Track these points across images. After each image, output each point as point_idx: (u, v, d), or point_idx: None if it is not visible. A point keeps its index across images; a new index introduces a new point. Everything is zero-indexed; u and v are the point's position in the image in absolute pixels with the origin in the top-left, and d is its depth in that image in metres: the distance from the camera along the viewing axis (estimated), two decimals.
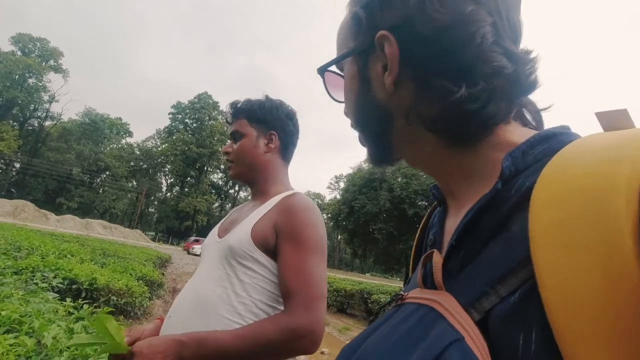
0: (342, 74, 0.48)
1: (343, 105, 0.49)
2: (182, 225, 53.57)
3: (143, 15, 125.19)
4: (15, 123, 50.18)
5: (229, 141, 1.22)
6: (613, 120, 0.32)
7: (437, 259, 0.37)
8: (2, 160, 47.42)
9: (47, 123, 54.88)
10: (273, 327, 0.87)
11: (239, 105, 1.21)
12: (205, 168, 57.58)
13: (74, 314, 2.47)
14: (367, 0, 0.41)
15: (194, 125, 57.27)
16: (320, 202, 68.83)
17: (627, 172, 0.24)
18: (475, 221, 0.35)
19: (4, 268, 3.83)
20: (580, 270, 0.24)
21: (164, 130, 58.93)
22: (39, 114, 54.11)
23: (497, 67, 0.36)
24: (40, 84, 51.75)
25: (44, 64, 51.56)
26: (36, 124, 54.40)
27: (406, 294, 0.40)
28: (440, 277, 0.35)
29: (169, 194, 59.37)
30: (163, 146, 56.90)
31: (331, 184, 60.38)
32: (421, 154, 0.42)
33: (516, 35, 0.38)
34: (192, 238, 34.84)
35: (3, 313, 1.88)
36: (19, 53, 49.99)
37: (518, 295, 0.29)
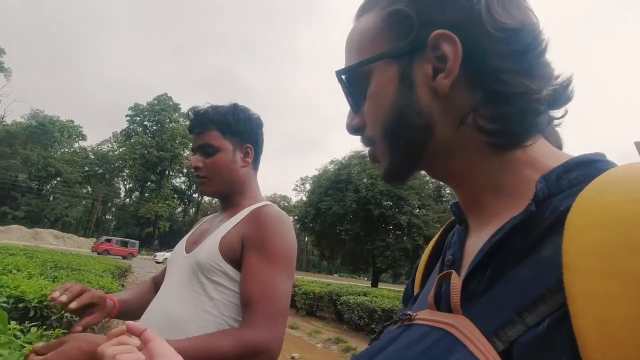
0: (344, 81, 0.45)
1: (347, 115, 0.46)
2: (143, 232, 51.34)
3: (100, 11, 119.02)
4: None
5: (194, 155, 1.11)
6: None
7: (456, 280, 0.35)
8: None
9: None
10: (230, 340, 0.83)
11: (207, 114, 1.09)
12: (167, 172, 55.60)
13: (20, 337, 2.24)
14: None
15: (154, 127, 55.12)
16: (286, 204, 68.56)
17: None
18: (504, 242, 0.34)
19: None
20: (619, 299, 0.23)
21: (121, 133, 56.29)
22: None
23: (551, 74, 0.38)
24: None
25: None
26: None
27: (415, 314, 0.38)
28: (458, 300, 0.34)
29: (127, 199, 56.74)
30: (120, 150, 54.25)
31: (297, 185, 60.21)
32: (454, 164, 0.41)
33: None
34: (104, 238, 33.21)
35: None
36: None
37: (547, 323, 0.27)
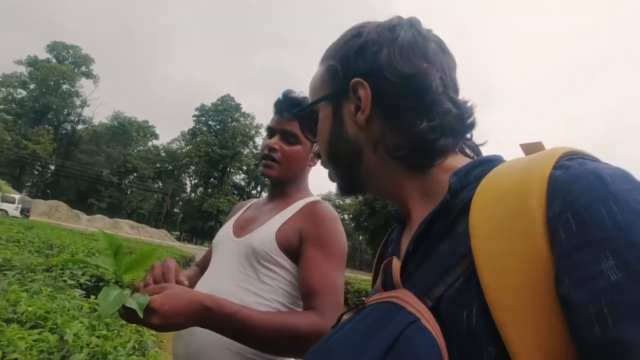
0: (309, 118, 0.58)
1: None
2: (206, 225, 54.66)
3: (170, 20, 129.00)
4: (50, 127, 52.64)
5: (273, 137, 1.12)
6: (532, 148, 0.42)
7: (396, 263, 0.43)
8: (39, 163, 49.88)
9: (80, 127, 57.43)
10: (304, 321, 0.86)
11: (302, 104, 1.12)
12: (228, 169, 58.55)
13: (97, 310, 2.54)
14: (343, 55, 0.51)
15: (217, 127, 58.34)
16: (341, 202, 68.74)
17: (537, 177, 0.33)
18: (429, 228, 0.43)
19: (36, 265, 4.00)
20: (506, 253, 0.32)
21: (188, 132, 60.31)
22: (72, 118, 56.65)
23: (447, 109, 0.46)
24: (73, 90, 54.22)
25: (76, 70, 53.96)
26: (69, 128, 56.95)
27: (367, 299, 0.45)
28: (398, 277, 0.41)
29: (193, 194, 60.73)
30: (187, 148, 58.23)
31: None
32: (384, 180, 0.51)
33: (456, 88, 0.50)
34: None
35: (30, 309, 1.95)
36: (54, 60, 52.47)
37: (461, 280, 0.35)
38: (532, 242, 0.31)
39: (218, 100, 59.25)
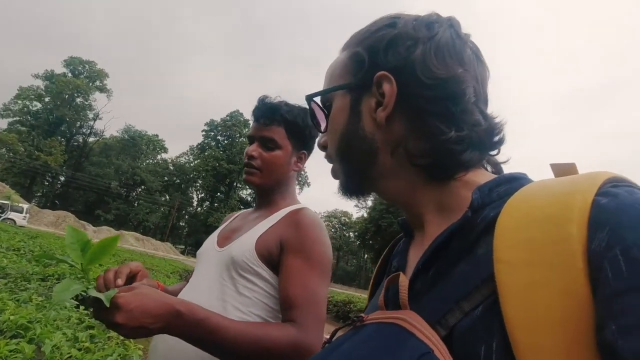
0: (322, 107, 0.53)
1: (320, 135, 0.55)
2: None
3: (186, 38, 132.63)
4: (62, 139, 53.76)
5: (252, 143, 1.11)
6: (564, 170, 0.38)
7: (403, 280, 0.39)
8: (49, 174, 50.67)
9: (91, 139, 58.54)
10: (280, 333, 0.81)
11: (280, 109, 1.09)
12: (235, 184, 58.82)
13: (84, 321, 2.47)
14: (372, 43, 0.46)
15: (225, 142, 59.00)
16: (347, 220, 68.34)
17: (579, 203, 0.29)
18: (445, 245, 0.39)
19: (32, 274, 3.96)
20: (538, 285, 0.28)
21: (197, 146, 61.03)
22: (84, 130, 57.87)
23: (477, 120, 0.43)
24: (87, 103, 55.62)
25: (90, 84, 55.36)
26: (81, 140, 58.07)
27: (367, 316, 0.41)
28: (406, 296, 0.37)
29: (199, 208, 60.92)
30: (195, 162, 58.82)
31: (358, 202, 59.68)
32: (398, 186, 0.47)
33: (487, 101, 0.46)
34: None
35: (12, 318, 1.89)
36: (69, 75, 53.97)
37: (481, 309, 0.32)
38: (570, 276, 0.27)
39: (227, 115, 60.11)
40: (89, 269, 0.71)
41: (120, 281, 0.79)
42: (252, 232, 1.01)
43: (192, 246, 56.70)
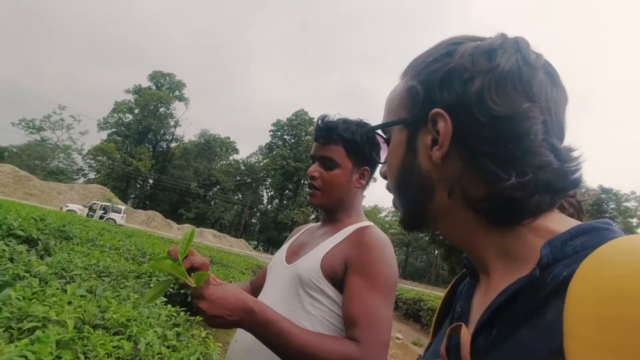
0: (384, 137, 0.52)
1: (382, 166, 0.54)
2: (281, 235, 56.76)
3: (253, 42, 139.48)
4: (149, 146, 60.07)
5: (312, 161, 1.13)
6: None
7: (466, 334, 0.36)
8: (140, 177, 56.98)
9: (172, 145, 64.43)
10: (341, 350, 0.83)
11: (337, 128, 1.09)
12: (302, 181, 60.39)
13: (172, 319, 2.77)
14: (426, 77, 0.43)
15: (292, 141, 60.81)
16: None
17: None
18: (509, 303, 0.35)
19: (129, 272, 4.51)
20: None
21: (265, 146, 63.79)
22: (167, 137, 63.88)
23: (546, 161, 0.37)
24: (168, 112, 61.33)
25: (171, 94, 60.94)
26: (164, 146, 64.21)
27: None
28: (468, 355, 0.35)
29: (269, 206, 63.78)
30: (264, 161, 61.60)
31: None
32: (457, 227, 0.43)
33: (562, 133, 0.40)
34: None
35: (114, 316, 2.20)
36: (153, 87, 60.00)
37: None
38: None
39: (292, 115, 61.87)
40: (180, 262, 0.78)
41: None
42: (317, 250, 1.03)
43: (264, 242, 59.65)
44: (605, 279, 0.27)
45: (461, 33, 0.46)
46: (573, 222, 0.39)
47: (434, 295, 16.13)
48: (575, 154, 0.40)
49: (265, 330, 0.79)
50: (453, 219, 0.43)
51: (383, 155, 0.53)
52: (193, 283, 0.76)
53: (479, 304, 0.42)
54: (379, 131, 0.52)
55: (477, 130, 0.39)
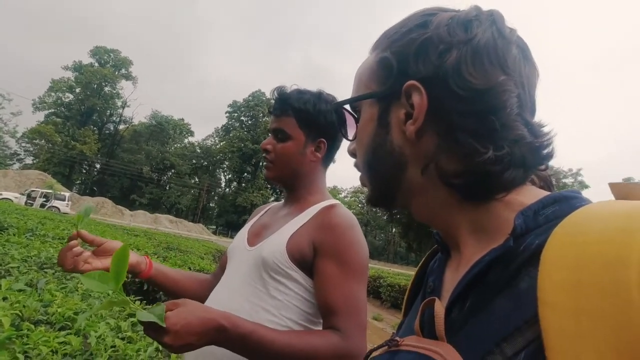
0: (352, 113, 0.49)
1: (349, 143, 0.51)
2: (240, 219, 56.04)
3: (206, 20, 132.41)
4: (94, 128, 56.00)
5: (268, 135, 1.09)
6: (627, 192, 0.34)
7: (439, 308, 0.36)
8: (86, 162, 53.17)
9: (121, 127, 60.67)
10: (324, 343, 0.81)
11: (289, 99, 1.05)
12: (261, 163, 59.46)
13: (126, 309, 2.60)
14: (400, 48, 0.42)
15: (249, 122, 59.46)
16: None
17: (638, 244, 0.24)
18: (482, 275, 0.35)
19: None
20: (589, 337, 0.24)
21: (222, 128, 61.92)
22: (114, 118, 59.93)
23: (520, 135, 0.37)
24: (114, 92, 57.33)
25: (116, 72, 56.77)
26: (112, 128, 60.31)
27: (402, 339, 0.39)
28: (442, 328, 0.35)
29: (227, 189, 62.46)
30: (221, 144, 59.84)
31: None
32: (429, 204, 0.43)
33: (534, 108, 0.40)
34: None
35: (59, 310, 2.01)
36: (96, 64, 55.47)
37: (523, 356, 0.28)
38: (626, 329, 0.23)
39: (249, 95, 60.25)
40: (120, 288, 0.65)
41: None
42: (282, 232, 0.98)
43: (223, 226, 58.61)
44: (578, 245, 0.27)
45: (433, 4, 0.44)
46: (544, 193, 0.39)
47: (393, 271, 16.81)
48: (545, 129, 0.40)
49: (243, 344, 0.74)
50: (426, 195, 0.42)
51: (351, 132, 0.51)
52: (159, 321, 0.62)
53: (451, 278, 0.42)
54: (347, 107, 0.50)
55: (454, 103, 0.38)
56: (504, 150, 0.37)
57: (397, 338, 0.40)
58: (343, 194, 71.18)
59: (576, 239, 0.28)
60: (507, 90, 0.37)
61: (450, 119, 0.38)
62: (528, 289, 0.30)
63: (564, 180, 53.87)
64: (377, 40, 0.46)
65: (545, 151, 0.39)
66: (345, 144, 1.04)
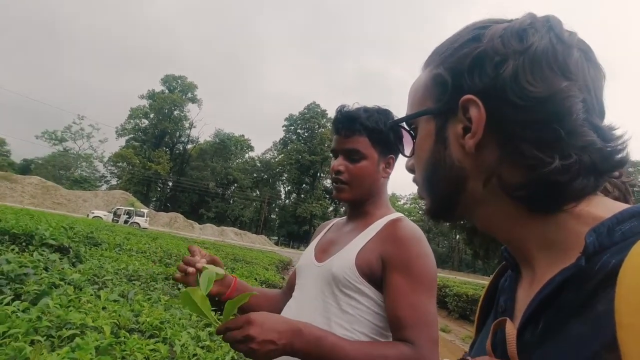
0: (409, 130, 0.49)
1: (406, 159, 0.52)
2: (301, 229, 57.20)
3: (262, 38, 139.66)
4: (166, 149, 61.24)
5: (337, 158, 1.07)
6: None
7: (511, 330, 0.36)
8: (160, 181, 58.25)
9: (189, 146, 65.53)
10: (395, 353, 0.81)
11: (359, 118, 1.04)
12: (318, 174, 60.49)
13: (202, 320, 2.81)
14: (453, 64, 0.41)
15: (306, 134, 60.89)
16: None
17: None
18: (554, 296, 0.34)
19: (157, 274, 4.61)
20: None
21: (279, 142, 64.14)
22: (182, 139, 64.96)
23: (589, 141, 0.36)
24: (182, 114, 62.27)
25: (183, 97, 61.78)
26: (181, 148, 65.34)
27: (473, 359, 0.39)
28: (514, 349, 0.34)
29: (287, 200, 64.19)
30: (280, 157, 61.96)
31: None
32: (495, 217, 0.42)
33: (603, 112, 0.39)
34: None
35: (148, 319, 2.24)
36: (166, 91, 60.93)
37: None
38: None
39: (305, 108, 61.81)
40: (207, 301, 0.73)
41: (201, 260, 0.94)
42: (350, 247, 0.99)
43: (285, 237, 60.18)
44: None
45: (485, 17, 0.44)
46: (619, 206, 0.37)
47: (459, 280, 15.98)
48: (618, 132, 0.38)
49: (318, 347, 0.77)
50: (488, 209, 0.41)
51: (408, 148, 0.51)
52: (217, 322, 0.72)
53: (524, 298, 0.41)
54: (404, 124, 0.50)
55: (514, 114, 0.37)
56: (572, 159, 0.35)
57: (469, 358, 0.40)
58: (402, 201, 69.50)
59: None
60: (571, 96, 0.36)
61: (511, 130, 0.37)
62: (605, 312, 0.28)
63: None
64: (429, 56, 0.46)
65: (618, 156, 0.37)
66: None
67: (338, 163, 1.06)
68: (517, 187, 0.38)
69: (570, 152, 0.35)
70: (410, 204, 66.31)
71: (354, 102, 1.11)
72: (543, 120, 0.36)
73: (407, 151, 0.51)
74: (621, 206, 0.37)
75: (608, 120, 0.39)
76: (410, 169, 0.50)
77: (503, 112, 0.38)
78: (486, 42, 0.39)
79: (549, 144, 0.36)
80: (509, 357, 0.35)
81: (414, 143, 0.49)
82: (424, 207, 0.49)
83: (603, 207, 0.37)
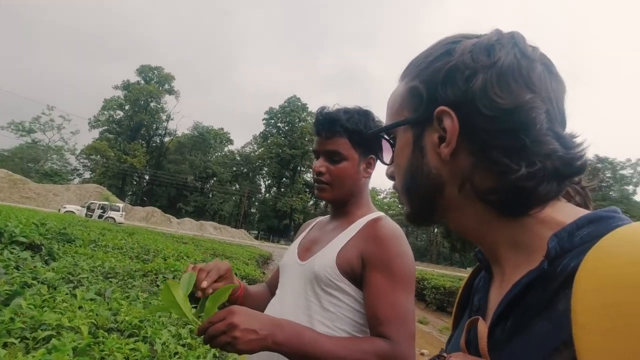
0: (388, 139, 0.52)
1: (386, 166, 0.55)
2: (281, 223, 57.06)
3: (241, 32, 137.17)
4: (143, 142, 59.58)
5: (318, 159, 1.10)
6: None
7: (483, 327, 0.38)
8: (136, 174, 56.71)
9: (166, 139, 63.93)
10: (372, 347, 0.84)
11: (339, 120, 1.06)
12: (299, 168, 60.39)
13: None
14: (428, 77, 0.44)
15: (286, 128, 60.50)
16: None
17: None
18: (521, 296, 0.37)
19: (135, 271, 4.52)
20: (621, 356, 0.25)
21: (260, 135, 63.51)
22: (160, 132, 63.33)
23: (552, 149, 0.39)
24: (159, 106, 60.68)
25: (160, 88, 60.09)
26: (158, 141, 63.68)
27: (449, 355, 0.41)
28: (485, 347, 0.37)
29: (267, 194, 63.82)
30: (260, 150, 61.40)
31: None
32: (468, 220, 0.44)
33: (564, 121, 0.42)
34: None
35: (127, 318, 2.20)
36: (142, 82, 59.08)
37: None
38: None
39: (285, 102, 61.35)
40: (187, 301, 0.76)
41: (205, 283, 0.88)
42: (332, 246, 1.02)
43: (264, 231, 59.92)
44: (610, 267, 0.28)
45: (456, 32, 0.47)
46: (579, 212, 0.39)
47: (437, 273, 16.38)
48: (578, 140, 0.41)
49: (298, 340, 0.79)
50: (463, 211, 0.44)
51: (387, 156, 0.53)
52: (198, 322, 0.74)
53: (495, 297, 0.43)
54: (383, 134, 0.53)
55: (485, 123, 0.40)
56: (537, 166, 0.38)
57: (445, 354, 0.42)
58: (382, 195, 70.36)
59: (609, 261, 0.29)
60: (535, 107, 0.39)
61: (482, 139, 0.40)
62: (564, 311, 0.31)
63: (621, 172, 49.59)
64: (406, 68, 0.49)
65: (578, 162, 0.40)
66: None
67: (319, 164, 1.08)
68: (489, 192, 0.41)
69: (535, 159, 0.38)
70: (390, 198, 67.22)
71: (334, 103, 1.12)
72: (510, 130, 0.39)
73: (387, 159, 0.53)
74: (581, 212, 0.39)
75: (569, 129, 0.42)
76: (390, 176, 0.53)
77: (474, 122, 0.40)
78: (457, 57, 0.42)
79: (515, 152, 0.38)
80: (481, 354, 0.37)
81: (393, 151, 0.51)
82: (403, 212, 0.52)
83: (565, 213, 0.39)
